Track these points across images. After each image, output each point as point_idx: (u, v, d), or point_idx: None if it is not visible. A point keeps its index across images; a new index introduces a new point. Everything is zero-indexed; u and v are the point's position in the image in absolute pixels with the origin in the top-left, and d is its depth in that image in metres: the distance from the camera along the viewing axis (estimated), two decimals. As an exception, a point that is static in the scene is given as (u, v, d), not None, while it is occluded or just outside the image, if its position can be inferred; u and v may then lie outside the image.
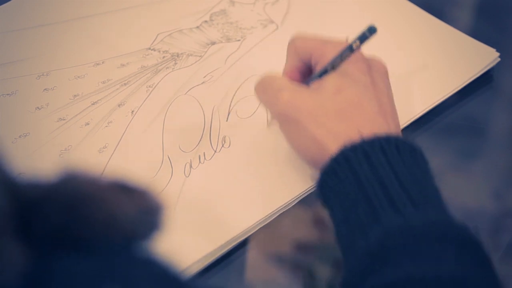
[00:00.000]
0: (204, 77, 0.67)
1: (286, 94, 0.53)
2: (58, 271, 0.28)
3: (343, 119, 0.51)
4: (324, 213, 0.53)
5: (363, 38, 0.54)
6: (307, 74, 0.58)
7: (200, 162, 0.60)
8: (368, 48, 0.68)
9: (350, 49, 0.54)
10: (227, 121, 0.63)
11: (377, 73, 0.55)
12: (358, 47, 0.54)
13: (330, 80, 0.53)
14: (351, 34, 0.70)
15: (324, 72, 0.55)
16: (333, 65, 0.54)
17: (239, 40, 0.70)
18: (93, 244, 0.29)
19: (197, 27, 0.71)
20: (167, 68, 0.68)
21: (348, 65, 0.54)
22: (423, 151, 0.50)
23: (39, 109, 0.64)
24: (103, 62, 0.68)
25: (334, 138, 0.51)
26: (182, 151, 0.61)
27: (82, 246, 0.29)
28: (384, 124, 0.52)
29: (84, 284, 0.28)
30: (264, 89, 0.56)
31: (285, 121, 0.54)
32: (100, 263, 0.29)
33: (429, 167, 0.50)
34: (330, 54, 0.55)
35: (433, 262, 0.43)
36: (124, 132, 0.62)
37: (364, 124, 0.51)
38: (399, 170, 0.48)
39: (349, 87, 0.52)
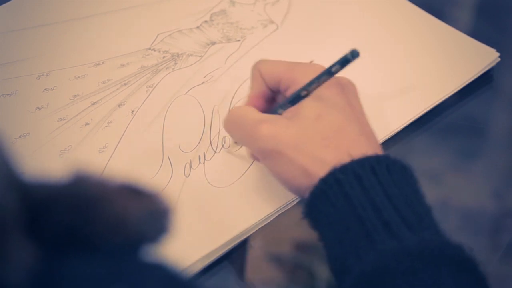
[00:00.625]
0: (204, 77, 0.67)
1: (265, 127, 0.51)
2: (66, 272, 0.28)
3: (327, 145, 0.50)
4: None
5: (344, 62, 0.50)
6: (271, 100, 0.56)
7: (200, 162, 0.60)
8: (369, 48, 0.68)
9: (329, 73, 0.51)
10: (227, 121, 0.63)
11: (350, 93, 0.53)
12: (338, 71, 0.51)
13: (307, 106, 0.51)
14: (350, 34, 0.70)
15: (296, 98, 0.52)
16: (308, 90, 0.52)
17: (239, 40, 0.70)
18: (101, 246, 0.29)
19: (197, 27, 0.71)
20: (167, 68, 0.68)
21: (322, 90, 0.52)
22: (412, 169, 0.49)
23: (39, 109, 0.64)
24: (103, 62, 0.68)
25: (321, 164, 0.49)
26: (182, 151, 0.61)
27: (90, 248, 0.29)
28: (368, 145, 0.50)
29: (92, 285, 0.28)
30: (238, 125, 0.54)
31: (268, 155, 0.52)
32: (108, 265, 0.29)
33: (419, 185, 0.49)
34: (301, 79, 0.53)
35: (430, 283, 0.43)
36: (124, 132, 0.62)
37: (350, 147, 0.49)
38: (391, 192, 0.47)
39: (328, 112, 0.51)
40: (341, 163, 0.48)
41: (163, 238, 0.31)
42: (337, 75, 0.51)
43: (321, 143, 0.50)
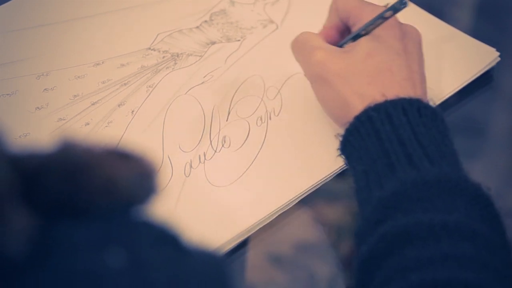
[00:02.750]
0: (204, 77, 0.67)
1: (319, 53, 0.55)
2: (61, 238, 0.28)
3: (371, 82, 0.53)
4: (324, 213, 0.53)
5: (394, 9, 0.54)
6: (345, 33, 0.59)
7: (200, 162, 0.60)
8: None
9: (382, 17, 0.55)
10: (227, 121, 0.63)
11: (410, 40, 0.56)
12: (390, 17, 0.54)
13: (363, 44, 0.55)
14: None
15: (358, 35, 0.56)
16: (366, 30, 0.55)
17: (239, 40, 0.70)
18: (93, 210, 0.29)
19: (197, 27, 0.71)
20: (167, 68, 0.68)
21: (383, 31, 0.55)
22: (444, 117, 0.52)
23: (39, 109, 0.64)
24: (103, 62, 0.68)
25: (360, 99, 0.52)
26: (182, 151, 0.61)
27: (82, 213, 0.29)
28: (410, 90, 0.53)
29: (88, 249, 0.28)
30: (299, 47, 0.58)
31: (316, 79, 0.56)
32: (101, 228, 0.29)
33: (448, 132, 0.51)
34: (366, 18, 0.56)
35: (442, 211, 0.45)
36: (124, 132, 0.62)
37: (391, 88, 0.52)
38: (418, 130, 0.49)
39: (380, 53, 0.54)
40: (376, 102, 0.51)
41: (152, 198, 0.31)
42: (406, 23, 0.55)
43: (365, 80, 0.53)
